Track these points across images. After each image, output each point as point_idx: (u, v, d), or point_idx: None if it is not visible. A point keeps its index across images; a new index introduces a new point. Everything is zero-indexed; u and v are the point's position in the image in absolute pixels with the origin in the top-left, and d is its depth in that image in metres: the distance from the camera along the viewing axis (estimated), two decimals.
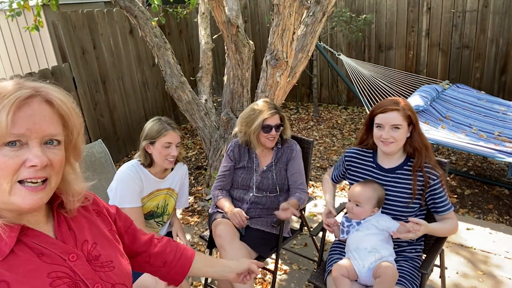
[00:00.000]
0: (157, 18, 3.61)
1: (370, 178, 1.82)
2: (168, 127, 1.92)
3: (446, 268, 2.24)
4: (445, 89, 4.21)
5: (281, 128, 2.18)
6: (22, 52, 4.53)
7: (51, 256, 0.78)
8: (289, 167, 2.22)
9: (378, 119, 1.73)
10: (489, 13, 4.85)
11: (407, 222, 1.64)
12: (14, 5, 3.52)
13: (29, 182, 0.72)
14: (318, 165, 4.20)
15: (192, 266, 1.15)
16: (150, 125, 1.95)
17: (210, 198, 2.38)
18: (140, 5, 3.52)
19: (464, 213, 3.15)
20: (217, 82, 5.50)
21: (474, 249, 2.71)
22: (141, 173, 1.94)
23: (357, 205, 1.73)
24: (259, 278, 2.58)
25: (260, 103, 2.18)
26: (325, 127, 5.22)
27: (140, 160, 1.97)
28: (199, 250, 2.93)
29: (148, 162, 1.95)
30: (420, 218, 1.69)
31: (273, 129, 2.12)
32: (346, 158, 1.96)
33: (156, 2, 3.64)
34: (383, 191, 1.76)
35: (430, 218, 1.80)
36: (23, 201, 0.72)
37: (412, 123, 1.73)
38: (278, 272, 2.61)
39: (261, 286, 2.51)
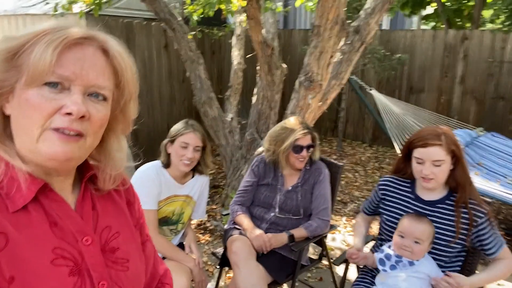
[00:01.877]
0: (194, 33, 3.64)
1: (407, 210, 1.67)
2: (189, 127, 1.84)
3: None
4: (479, 135, 4.04)
5: (312, 149, 2.07)
6: None
7: (64, 230, 0.66)
8: (314, 190, 2.09)
9: (418, 153, 1.58)
10: None
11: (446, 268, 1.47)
12: (59, 8, 3.63)
13: (61, 132, 0.62)
14: (339, 199, 4.03)
15: None
16: (176, 124, 1.88)
17: (227, 214, 2.26)
18: (179, 18, 3.58)
19: None
20: (243, 105, 5.48)
21: None
22: (161, 176, 1.85)
23: (416, 242, 1.52)
24: None
25: (292, 121, 2.09)
26: (348, 162, 5.07)
27: (161, 162, 1.89)
28: (207, 270, 2.77)
29: (166, 162, 1.86)
30: (460, 259, 1.52)
31: (304, 150, 2.02)
32: (380, 187, 1.80)
33: (195, 17, 3.70)
34: None
35: (470, 258, 1.63)
36: (50, 149, 0.61)
37: (455, 156, 1.59)
38: None
39: None
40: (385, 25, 8.19)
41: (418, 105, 5.41)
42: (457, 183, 1.59)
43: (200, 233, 3.25)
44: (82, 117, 0.63)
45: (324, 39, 2.55)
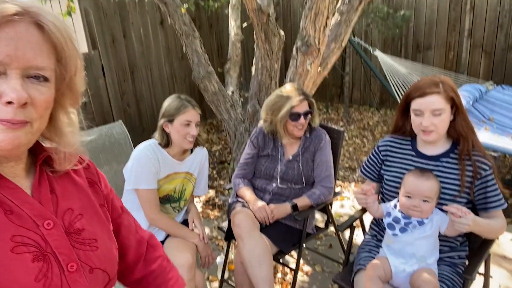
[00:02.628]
0: (186, 6, 3.52)
1: (410, 168, 1.61)
2: (188, 104, 1.79)
3: (491, 277, 1.99)
4: (489, 89, 3.90)
5: (310, 115, 2.01)
6: None
7: (22, 217, 0.63)
8: (316, 158, 2.05)
9: (416, 104, 1.51)
10: None
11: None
12: None
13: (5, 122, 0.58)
14: (347, 165, 3.98)
15: None
16: (168, 102, 1.83)
17: (231, 188, 2.24)
18: None
19: (508, 223, 2.86)
20: (245, 77, 5.39)
21: None
22: (159, 154, 1.82)
23: (424, 200, 1.47)
24: (279, 277, 2.41)
25: (287, 88, 2.03)
26: (355, 127, 4.99)
27: (157, 140, 1.85)
28: (218, 244, 2.79)
29: (166, 142, 1.83)
30: None
31: (302, 117, 1.96)
32: (381, 148, 1.74)
33: None
34: None
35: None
36: None
37: (455, 105, 1.52)
38: (300, 273, 2.44)
39: (280, 286, 2.34)
40: None
41: (426, 63, 5.24)
42: (459, 133, 1.52)
43: (209, 209, 3.27)
44: (25, 104, 0.58)
45: None
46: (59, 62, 0.64)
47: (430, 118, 1.47)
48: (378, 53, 4.33)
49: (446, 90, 1.49)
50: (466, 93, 3.62)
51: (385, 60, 4.29)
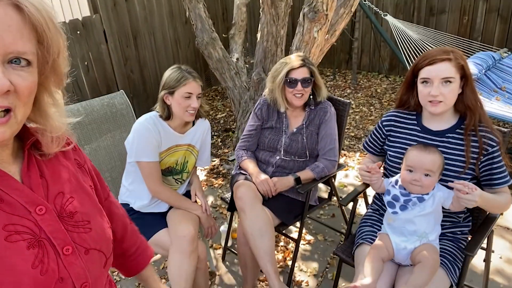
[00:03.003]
0: None
1: (414, 143, 1.58)
2: (188, 76, 1.74)
3: (493, 252, 2.00)
4: (503, 57, 3.76)
5: (310, 83, 1.94)
6: (56, 0, 4.45)
7: (13, 204, 0.62)
8: (320, 130, 2.01)
9: (425, 72, 1.45)
10: None
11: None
12: None
13: None
14: (353, 134, 3.94)
15: (145, 269, 1.03)
16: (169, 73, 1.78)
17: (234, 159, 2.23)
18: None
19: None
20: (251, 43, 5.25)
21: None
22: (160, 126, 1.80)
23: (426, 174, 1.44)
24: (282, 246, 2.46)
25: (290, 57, 1.97)
26: (363, 95, 4.90)
27: (158, 112, 1.83)
28: (221, 212, 2.83)
29: (166, 114, 1.80)
30: None
31: (299, 84, 1.89)
32: (384, 123, 1.70)
33: None
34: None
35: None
36: None
37: (465, 76, 1.46)
38: (302, 242, 2.47)
39: (283, 254, 2.39)
40: None
41: (439, 28, 5.03)
42: (466, 106, 1.47)
43: (213, 178, 3.29)
44: (7, 91, 0.55)
45: None
46: (41, 45, 0.61)
47: (440, 87, 1.42)
48: (389, 18, 4.17)
49: (456, 58, 1.43)
50: (478, 61, 3.49)
51: (396, 25, 4.13)
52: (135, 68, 4.38)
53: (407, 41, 4.08)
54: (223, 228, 2.45)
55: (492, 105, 3.07)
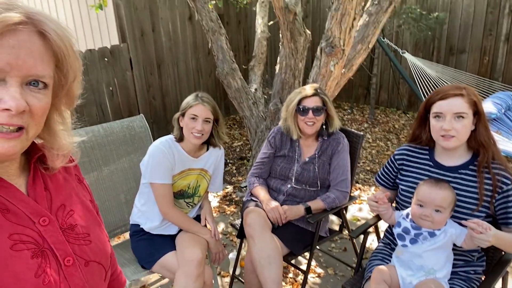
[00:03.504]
0: (214, 2, 3.55)
1: (427, 178, 1.57)
2: (197, 99, 1.81)
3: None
4: None
5: (321, 111, 1.97)
6: (88, 29, 4.71)
7: (18, 215, 0.65)
8: (332, 161, 2.02)
9: (437, 107, 1.47)
10: None
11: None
12: None
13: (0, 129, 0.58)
14: (368, 168, 3.91)
15: None
16: (187, 97, 1.86)
17: (245, 186, 2.25)
18: None
19: None
20: (270, 75, 5.38)
21: None
22: (174, 149, 1.85)
23: (437, 210, 1.42)
24: (290, 277, 2.41)
25: (304, 87, 2.03)
26: (380, 130, 4.89)
27: (174, 134, 1.89)
28: (231, 240, 2.82)
29: (179, 136, 1.86)
30: None
31: (310, 112, 1.93)
32: (397, 157, 1.70)
33: None
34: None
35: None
36: None
37: (477, 113, 1.46)
38: (312, 275, 2.42)
39: (291, 286, 2.34)
40: None
41: (458, 68, 5.05)
42: (479, 143, 1.47)
43: (226, 205, 3.30)
44: (22, 111, 0.59)
45: (345, 0, 2.39)
46: (59, 69, 0.65)
47: (452, 122, 1.43)
48: (407, 55, 4.22)
49: (469, 94, 1.45)
50: (498, 100, 3.48)
51: (415, 62, 4.18)
52: (157, 95, 4.53)
53: (425, 79, 4.10)
54: (232, 255, 2.43)
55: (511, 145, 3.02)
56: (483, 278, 1.55)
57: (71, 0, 4.76)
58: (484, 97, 3.92)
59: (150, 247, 1.84)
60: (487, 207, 1.46)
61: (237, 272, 2.34)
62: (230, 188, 3.56)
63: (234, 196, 3.41)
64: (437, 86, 4.07)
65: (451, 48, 5.15)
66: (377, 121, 5.20)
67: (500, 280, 1.56)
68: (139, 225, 1.91)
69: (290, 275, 2.43)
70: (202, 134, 1.81)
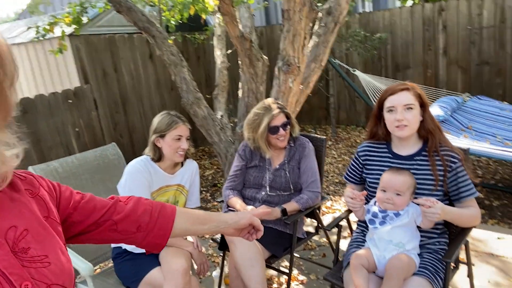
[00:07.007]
0: (174, 37, 3.73)
1: (389, 168, 1.73)
2: (178, 120, 1.92)
3: (473, 265, 2.06)
4: (465, 101, 4.10)
5: (288, 125, 2.12)
6: (47, 74, 4.74)
7: None
8: (301, 165, 2.16)
9: (389, 102, 1.67)
10: (506, 28, 4.80)
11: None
12: (41, 30, 3.74)
13: None
14: (337, 181, 4.09)
15: (175, 226, 0.95)
16: (159, 119, 1.95)
17: (221, 201, 2.33)
18: (158, 25, 3.67)
19: (494, 223, 2.96)
20: (234, 104, 5.57)
21: (506, 258, 2.51)
22: (151, 168, 1.92)
23: (397, 194, 1.59)
24: (275, 287, 2.45)
25: (260, 105, 2.15)
26: (343, 146, 5.14)
27: (149, 155, 1.96)
28: (213, 261, 2.83)
29: (158, 157, 1.94)
30: None
31: (281, 129, 2.08)
32: (360, 154, 1.87)
33: (173, 22, 3.79)
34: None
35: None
36: None
37: (423, 105, 1.67)
38: (296, 282, 2.48)
39: None
40: (368, 7, 8.25)
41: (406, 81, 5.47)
42: (428, 131, 1.66)
43: None
44: None
45: (295, 22, 2.63)
46: None
47: (403, 113, 1.62)
48: (358, 73, 4.55)
49: (414, 88, 1.67)
50: (444, 104, 3.81)
51: (365, 78, 4.50)
52: (124, 133, 4.57)
53: (378, 93, 4.42)
54: (216, 273, 2.46)
55: (462, 142, 3.30)
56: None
57: (29, 47, 4.80)
58: (431, 102, 4.27)
59: (134, 266, 1.85)
60: (442, 186, 1.63)
61: None
62: (199, 204, 3.59)
63: None
64: None
65: (397, 65, 5.60)
66: (339, 138, 5.46)
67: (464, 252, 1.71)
68: (121, 247, 1.93)
69: (274, 285, 2.48)
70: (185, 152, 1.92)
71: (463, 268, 1.85)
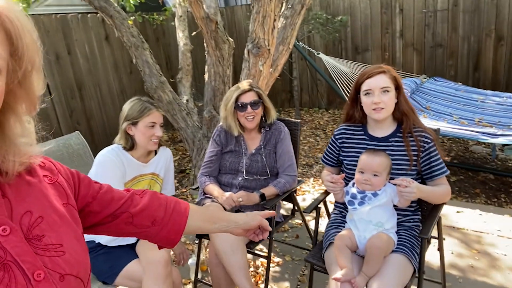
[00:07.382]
0: (133, 17, 3.54)
1: (365, 150, 1.76)
2: (151, 106, 1.82)
3: (444, 239, 2.19)
4: (423, 82, 4.28)
5: (259, 105, 2.08)
6: None
7: None
8: (277, 149, 2.15)
9: (366, 85, 1.69)
10: (459, 11, 5.02)
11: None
12: None
13: None
14: (304, 162, 4.15)
15: (188, 223, 0.95)
16: (130, 105, 1.84)
17: (196, 188, 2.28)
18: (116, 5, 3.46)
19: (453, 198, 3.14)
20: (197, 88, 5.44)
21: (467, 230, 2.68)
22: (123, 157, 1.83)
23: (375, 175, 1.62)
24: (252, 271, 2.47)
25: (238, 84, 2.13)
26: (308, 128, 5.21)
27: (120, 144, 1.86)
28: (188, 248, 2.79)
29: (130, 145, 1.84)
30: None
31: (249, 107, 2.04)
32: (337, 137, 1.89)
33: (131, 1, 3.59)
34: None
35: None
36: None
37: (398, 87, 1.71)
38: (272, 264, 2.50)
39: (254, 278, 2.39)
40: None
41: (365, 63, 5.62)
42: (402, 113, 1.71)
43: None
44: None
45: (264, 3, 2.57)
46: (13, 55, 0.57)
47: (380, 95, 1.65)
48: (322, 56, 4.59)
49: (389, 71, 1.69)
50: (404, 86, 3.94)
51: (329, 61, 4.56)
52: (82, 120, 4.33)
53: (340, 75, 4.50)
54: (192, 261, 2.42)
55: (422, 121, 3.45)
56: (421, 226, 1.77)
57: None
58: None
59: (109, 261, 1.77)
60: (416, 165, 1.69)
61: (199, 276, 2.34)
62: (174, 193, 3.52)
63: None
64: (351, 81, 4.48)
65: (356, 47, 5.71)
66: (303, 121, 5.53)
67: (436, 231, 1.80)
68: (94, 241, 1.83)
69: (251, 269, 2.49)
70: (159, 139, 1.83)
71: (433, 242, 1.95)
